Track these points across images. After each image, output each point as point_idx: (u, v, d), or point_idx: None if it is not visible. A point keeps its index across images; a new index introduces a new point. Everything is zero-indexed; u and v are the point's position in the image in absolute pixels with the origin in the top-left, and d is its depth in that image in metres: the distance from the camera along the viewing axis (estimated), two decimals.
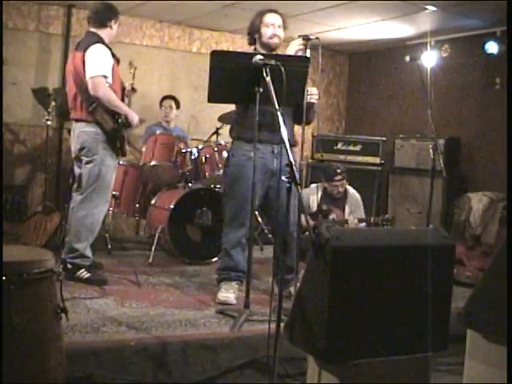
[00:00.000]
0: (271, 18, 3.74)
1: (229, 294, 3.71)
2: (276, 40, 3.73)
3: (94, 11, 3.99)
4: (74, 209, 4.00)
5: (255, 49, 3.79)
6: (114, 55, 3.97)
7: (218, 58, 3.27)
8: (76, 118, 3.99)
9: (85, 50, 3.85)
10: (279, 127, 2.81)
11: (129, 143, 4.24)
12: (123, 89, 4.17)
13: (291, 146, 3.78)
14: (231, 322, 3.27)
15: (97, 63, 3.81)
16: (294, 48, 3.63)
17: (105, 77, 3.83)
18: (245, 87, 3.24)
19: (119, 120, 3.94)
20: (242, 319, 3.21)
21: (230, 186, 3.77)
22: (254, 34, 3.80)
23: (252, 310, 3.34)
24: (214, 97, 3.39)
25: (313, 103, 3.71)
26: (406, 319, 2.24)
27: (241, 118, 3.73)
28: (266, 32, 3.73)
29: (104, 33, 3.96)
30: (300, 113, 3.54)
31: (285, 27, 3.77)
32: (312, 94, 3.68)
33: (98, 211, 4.00)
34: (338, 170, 5.03)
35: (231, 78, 3.26)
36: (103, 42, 3.90)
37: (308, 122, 3.88)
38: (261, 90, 3.18)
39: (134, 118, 4.05)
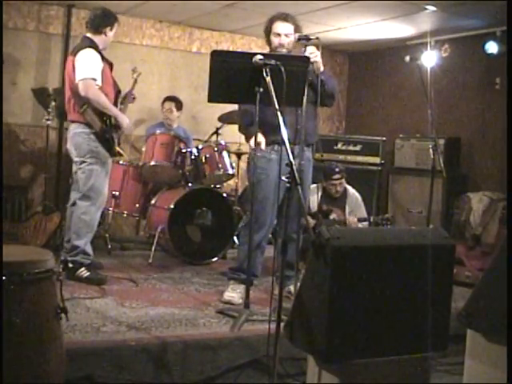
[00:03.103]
0: (279, 28, 3.72)
1: (234, 293, 3.73)
2: (283, 50, 3.70)
3: (91, 17, 4.09)
4: (72, 207, 4.09)
5: (271, 50, 3.80)
6: (105, 59, 4.08)
7: (218, 58, 3.26)
8: (70, 120, 4.13)
9: (75, 55, 3.97)
10: (279, 127, 2.81)
11: (119, 145, 4.29)
12: (118, 92, 4.25)
13: (309, 145, 3.80)
14: (231, 322, 3.28)
15: (86, 66, 3.92)
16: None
17: (94, 79, 3.92)
18: (245, 87, 3.24)
19: (107, 121, 4.04)
20: (242, 319, 3.21)
21: (251, 188, 3.73)
22: (267, 37, 3.81)
23: (252, 310, 3.34)
24: (214, 97, 3.39)
25: (316, 62, 3.59)
26: (406, 319, 2.24)
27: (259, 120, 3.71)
28: (274, 41, 3.75)
29: (98, 39, 4.05)
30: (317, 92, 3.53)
31: (296, 31, 3.72)
32: (312, 52, 3.58)
33: (95, 208, 4.10)
34: (337, 169, 5.06)
35: (231, 78, 3.26)
36: (95, 47, 3.99)
37: (330, 95, 3.81)
38: (261, 89, 3.18)
39: (124, 120, 4.13)
